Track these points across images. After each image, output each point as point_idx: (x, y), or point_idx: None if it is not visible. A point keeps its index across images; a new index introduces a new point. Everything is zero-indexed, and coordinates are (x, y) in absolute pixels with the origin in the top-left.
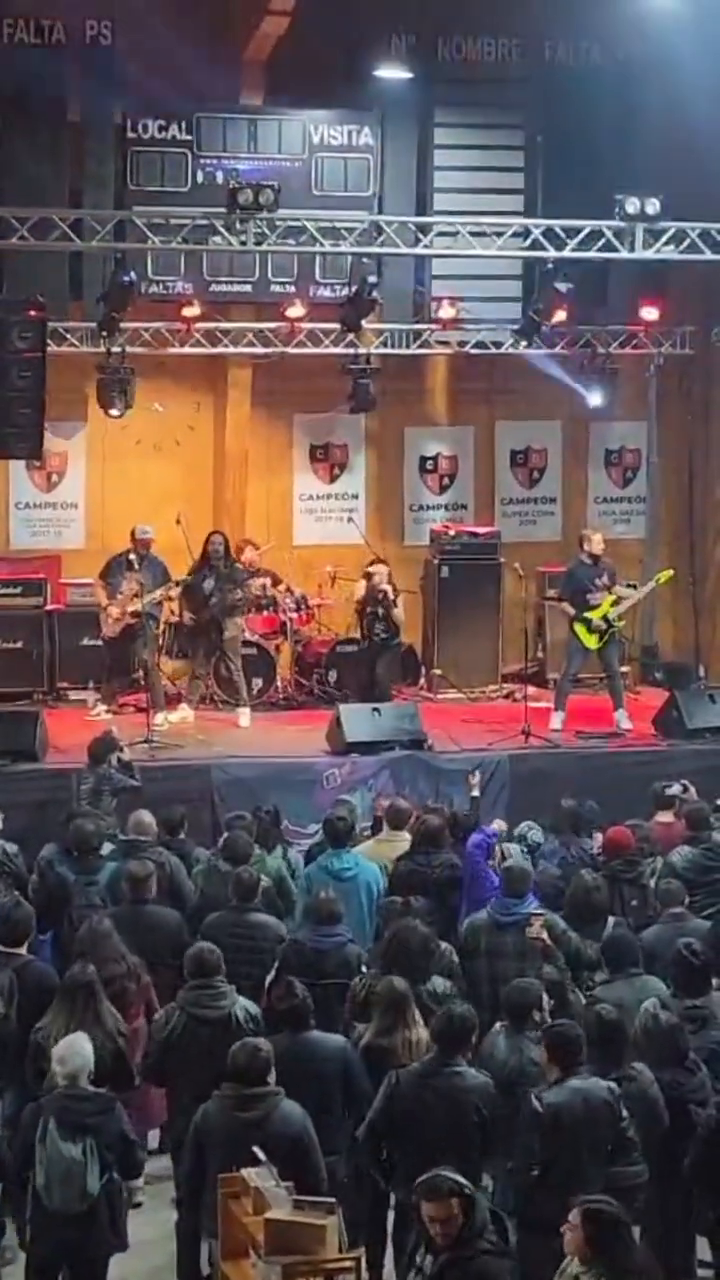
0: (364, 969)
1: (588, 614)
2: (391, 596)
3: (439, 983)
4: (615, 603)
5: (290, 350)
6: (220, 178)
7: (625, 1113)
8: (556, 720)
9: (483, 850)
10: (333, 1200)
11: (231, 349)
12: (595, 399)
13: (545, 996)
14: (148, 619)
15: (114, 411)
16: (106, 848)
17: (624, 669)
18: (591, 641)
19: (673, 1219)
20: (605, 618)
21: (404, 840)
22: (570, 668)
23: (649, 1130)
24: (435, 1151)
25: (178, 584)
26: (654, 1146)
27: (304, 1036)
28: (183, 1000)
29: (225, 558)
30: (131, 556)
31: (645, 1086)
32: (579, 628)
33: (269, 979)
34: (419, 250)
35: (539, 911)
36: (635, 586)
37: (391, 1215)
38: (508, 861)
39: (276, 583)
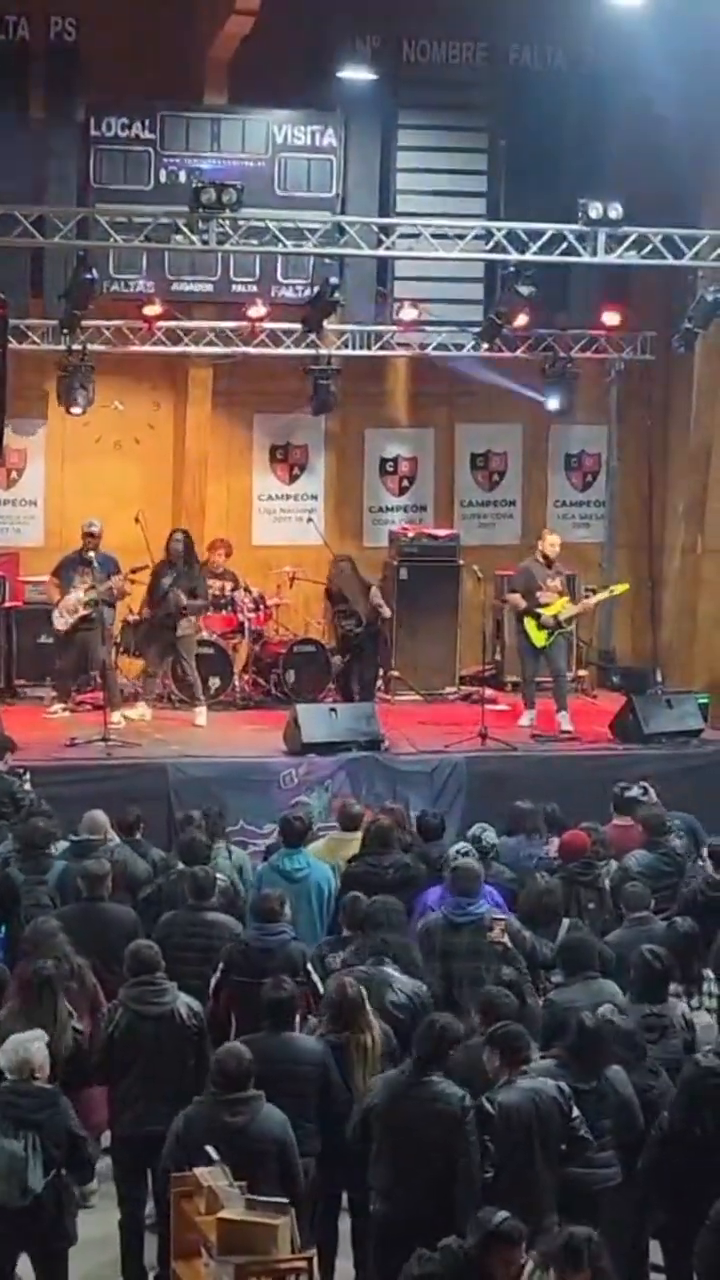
0: (308, 965)
1: (538, 609)
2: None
3: (418, 985)
4: (566, 606)
5: (251, 350)
6: (183, 177)
7: (576, 1111)
8: (526, 718)
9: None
10: (285, 1201)
11: (193, 348)
12: (553, 404)
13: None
14: (102, 609)
15: (74, 409)
16: (59, 846)
17: (581, 673)
18: (540, 638)
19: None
20: (555, 616)
21: (355, 842)
22: (528, 670)
23: (626, 1133)
24: (414, 1161)
25: (134, 572)
26: (630, 1150)
27: (284, 1036)
28: (125, 997)
29: (185, 556)
30: (87, 554)
31: (621, 1090)
32: (528, 622)
33: (214, 979)
34: (381, 252)
35: (500, 916)
36: (594, 592)
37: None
38: (456, 861)
39: (236, 585)
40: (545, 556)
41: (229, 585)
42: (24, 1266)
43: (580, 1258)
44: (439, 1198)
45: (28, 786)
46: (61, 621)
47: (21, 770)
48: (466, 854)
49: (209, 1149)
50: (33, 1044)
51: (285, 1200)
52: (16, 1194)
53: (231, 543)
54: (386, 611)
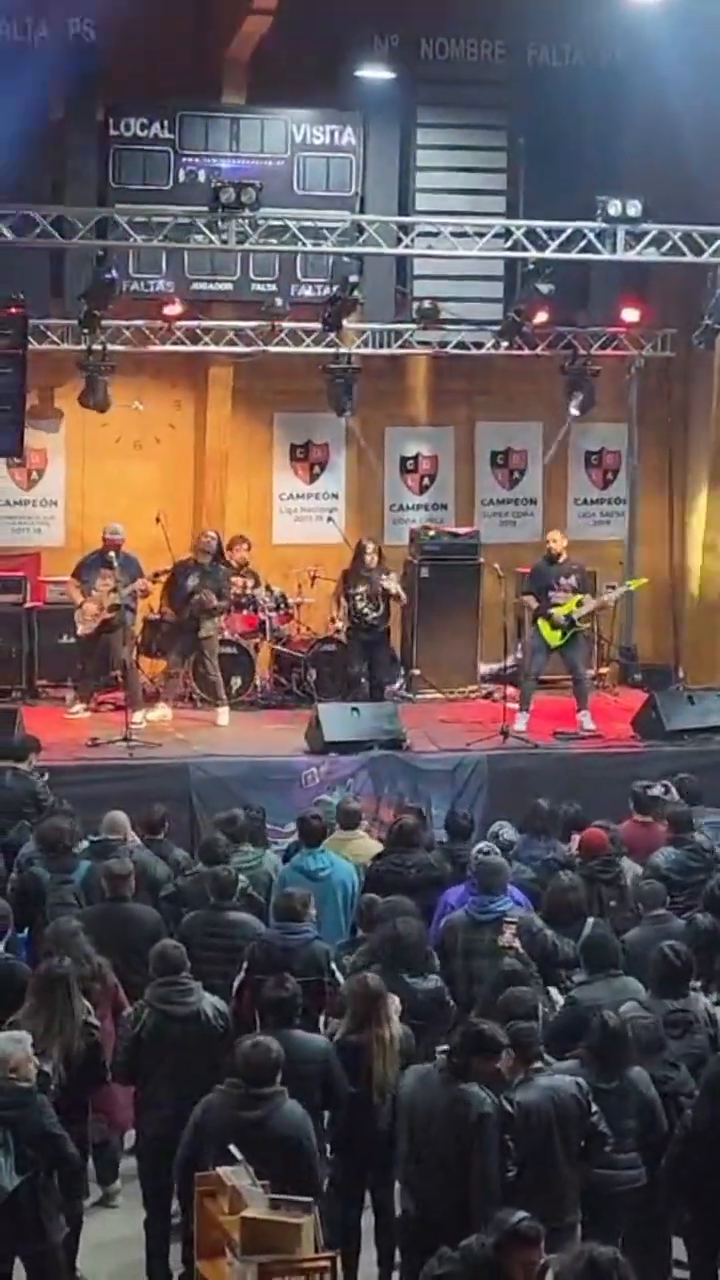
0: (333, 965)
1: (551, 610)
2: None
3: (435, 982)
4: (580, 604)
5: (271, 349)
6: (202, 176)
7: (595, 1107)
8: (520, 722)
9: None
10: (310, 1200)
11: (212, 347)
12: (574, 408)
13: (540, 1006)
14: (125, 612)
15: (94, 409)
16: (82, 847)
17: (602, 670)
18: (554, 638)
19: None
20: (568, 616)
21: (357, 839)
22: (532, 666)
23: (650, 1134)
24: (441, 1160)
25: (156, 575)
26: (653, 1150)
27: (287, 1034)
28: (151, 997)
29: (216, 557)
30: (108, 554)
31: (644, 1090)
32: (542, 623)
33: (238, 979)
34: (401, 250)
35: (512, 919)
36: (611, 589)
37: (372, 1218)
38: (481, 858)
39: (256, 583)
40: (552, 555)
41: (250, 583)
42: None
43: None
44: (460, 1198)
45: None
46: (85, 627)
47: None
48: (489, 853)
49: (232, 1148)
50: (11, 1043)
51: (309, 1199)
52: None
53: (250, 540)
54: (403, 596)
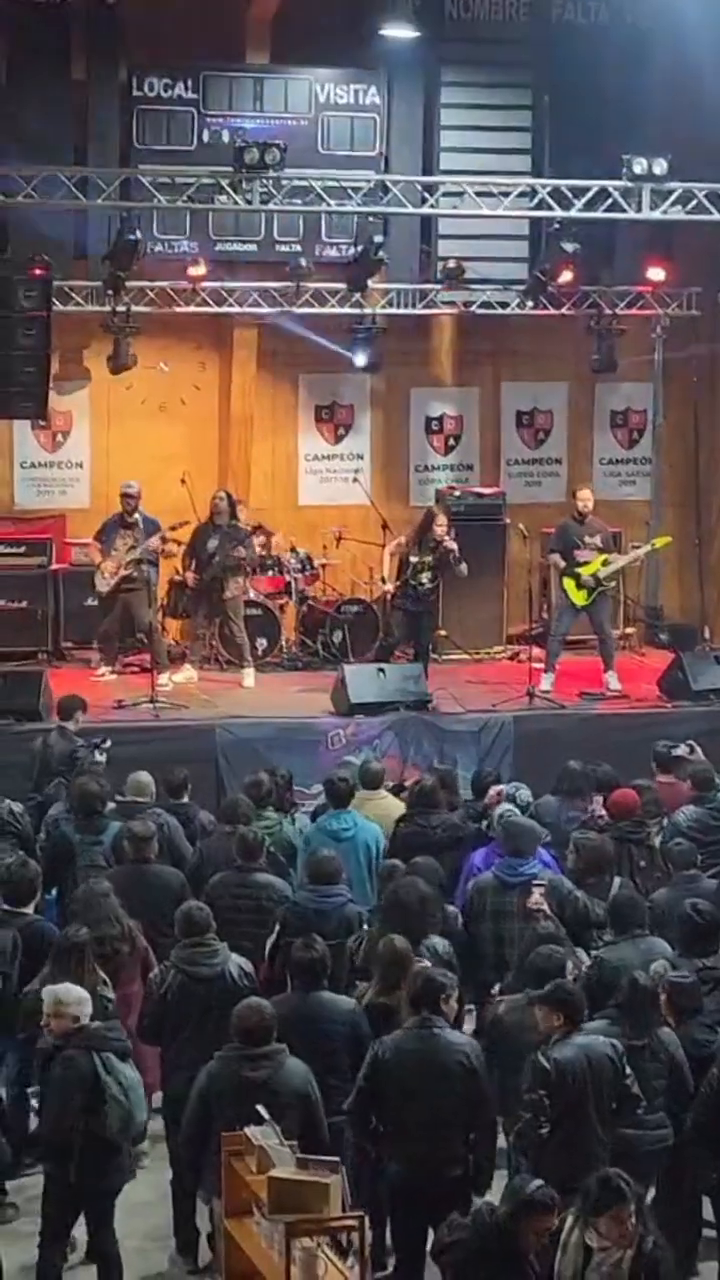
0: (364, 926)
1: (577, 569)
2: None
3: (439, 943)
4: (605, 563)
5: (296, 310)
6: (226, 137)
7: (629, 1069)
8: (546, 682)
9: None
10: (337, 1159)
11: (237, 309)
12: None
13: (570, 965)
14: (146, 569)
15: (119, 371)
16: (108, 807)
17: (628, 630)
18: (580, 598)
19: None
20: (594, 575)
21: (380, 799)
22: (559, 627)
23: (677, 1094)
24: (425, 1115)
25: (173, 528)
26: (680, 1111)
27: (315, 996)
28: (177, 959)
29: (229, 516)
30: (127, 518)
31: (672, 1050)
32: (568, 582)
33: (270, 941)
34: (425, 210)
35: (540, 881)
36: (639, 548)
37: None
38: (509, 819)
39: (268, 537)
40: (580, 513)
41: (271, 539)
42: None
43: (621, 1193)
44: (456, 1150)
45: (97, 756)
46: (104, 584)
47: (99, 739)
48: (512, 815)
49: (260, 1109)
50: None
51: (336, 1159)
52: None
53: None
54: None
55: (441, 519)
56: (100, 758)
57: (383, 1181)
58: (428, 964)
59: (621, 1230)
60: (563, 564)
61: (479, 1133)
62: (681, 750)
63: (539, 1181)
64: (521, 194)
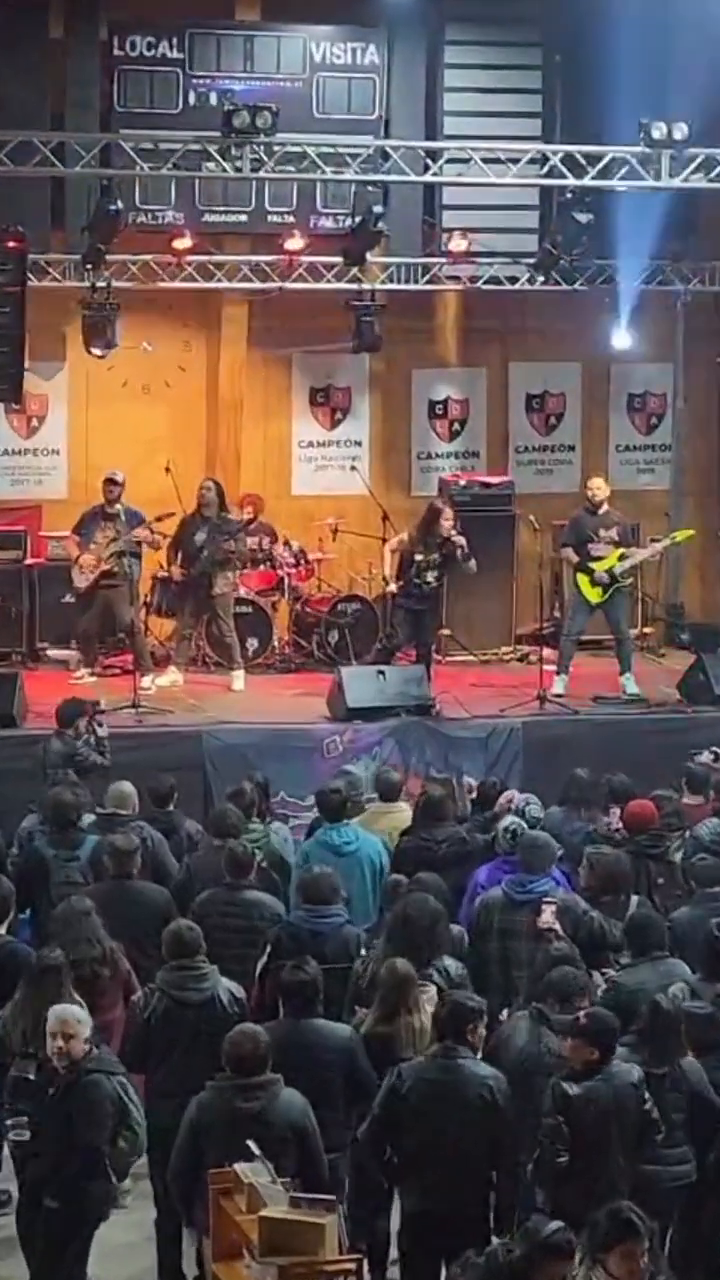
0: (364, 950)
1: (591, 564)
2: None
3: (451, 964)
4: (622, 558)
5: (289, 285)
6: (214, 99)
7: (649, 1097)
8: (559, 685)
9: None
10: (332, 1198)
11: (225, 284)
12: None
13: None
14: (128, 563)
15: (98, 351)
16: (87, 820)
17: (646, 630)
18: (594, 595)
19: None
20: (610, 571)
21: (398, 811)
22: (572, 626)
23: (699, 1128)
24: (444, 1149)
25: (159, 518)
26: (702, 1145)
27: (308, 1023)
28: (163, 982)
29: (218, 507)
30: (108, 509)
31: (695, 1081)
32: (581, 579)
33: (260, 964)
34: (428, 178)
35: (551, 899)
36: (655, 541)
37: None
38: (523, 835)
39: (274, 539)
40: (593, 504)
41: (266, 539)
42: (20, 1269)
43: (633, 1226)
44: (476, 1187)
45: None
46: (82, 579)
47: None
48: (517, 829)
49: (250, 1144)
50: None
51: (332, 1197)
52: None
53: (262, 497)
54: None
55: (448, 513)
56: (101, 759)
57: (383, 1217)
58: (433, 988)
59: (631, 1267)
60: (576, 559)
61: (501, 1172)
62: (705, 757)
63: (557, 1224)
64: (531, 161)
